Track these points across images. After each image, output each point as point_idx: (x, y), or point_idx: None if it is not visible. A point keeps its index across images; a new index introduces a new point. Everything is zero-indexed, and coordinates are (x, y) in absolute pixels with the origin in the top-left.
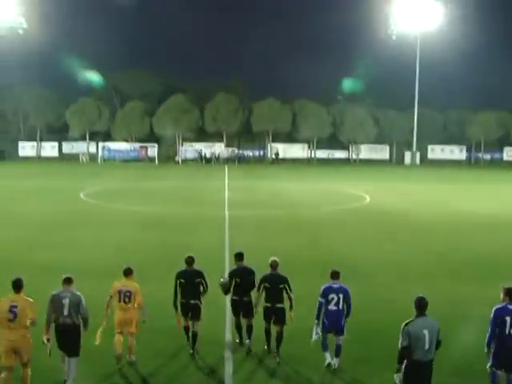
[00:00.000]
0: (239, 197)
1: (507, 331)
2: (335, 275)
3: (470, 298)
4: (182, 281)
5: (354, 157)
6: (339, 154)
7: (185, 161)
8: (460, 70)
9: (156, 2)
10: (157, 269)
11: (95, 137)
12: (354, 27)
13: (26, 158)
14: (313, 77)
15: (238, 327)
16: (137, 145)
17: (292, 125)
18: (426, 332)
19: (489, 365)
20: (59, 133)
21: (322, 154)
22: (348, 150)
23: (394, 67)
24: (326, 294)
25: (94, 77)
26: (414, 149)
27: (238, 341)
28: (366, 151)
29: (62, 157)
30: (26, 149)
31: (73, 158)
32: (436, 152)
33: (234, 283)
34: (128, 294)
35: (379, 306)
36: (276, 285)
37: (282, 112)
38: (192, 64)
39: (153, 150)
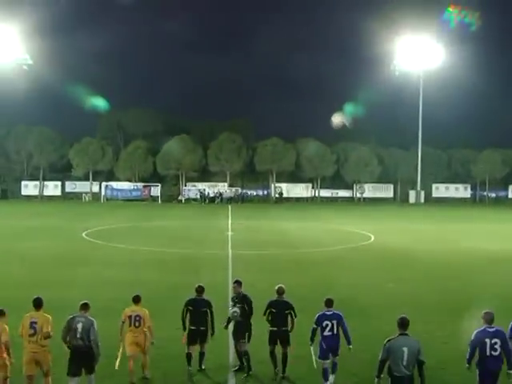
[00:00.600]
0: (243, 236)
1: (488, 353)
2: (329, 303)
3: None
4: (191, 308)
5: (358, 195)
6: (343, 193)
7: (188, 200)
8: (463, 109)
9: (159, 41)
10: (156, 308)
11: (98, 176)
12: (357, 67)
13: (29, 197)
14: (316, 116)
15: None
16: (140, 184)
17: (295, 164)
18: (405, 349)
19: None
20: (62, 172)
21: (325, 193)
22: (352, 188)
23: (397, 106)
24: (320, 321)
25: (97, 101)
26: (419, 187)
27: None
28: (370, 190)
29: (65, 196)
30: (29, 188)
31: (76, 197)
32: (441, 190)
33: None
34: (138, 318)
35: (379, 344)
36: (282, 311)
37: (286, 151)
38: (196, 103)
39: (156, 190)
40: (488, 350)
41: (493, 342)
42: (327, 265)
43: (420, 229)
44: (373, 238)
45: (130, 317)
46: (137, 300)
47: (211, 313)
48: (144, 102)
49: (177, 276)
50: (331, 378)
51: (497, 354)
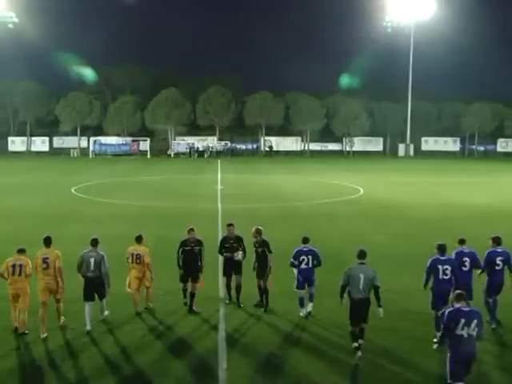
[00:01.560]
0: (232, 190)
1: (440, 277)
2: (305, 240)
3: None
4: (187, 248)
5: (348, 149)
6: (333, 147)
7: (177, 154)
8: (454, 62)
9: None
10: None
11: (86, 131)
12: (348, 20)
13: (16, 153)
14: (306, 69)
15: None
16: (129, 139)
17: (285, 118)
18: (361, 276)
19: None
20: (49, 127)
21: (315, 146)
22: (341, 142)
23: (388, 60)
24: (297, 256)
25: (85, 71)
26: (408, 141)
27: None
28: (359, 143)
29: (53, 151)
30: (16, 143)
31: (64, 152)
32: (430, 144)
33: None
34: (138, 256)
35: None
36: (260, 248)
37: (275, 105)
38: (184, 57)
39: (145, 144)
40: (440, 274)
41: (444, 267)
42: (315, 218)
43: (409, 182)
44: (362, 191)
45: (132, 254)
46: (138, 240)
47: (202, 253)
48: (132, 56)
49: (166, 230)
50: (310, 306)
51: (447, 277)
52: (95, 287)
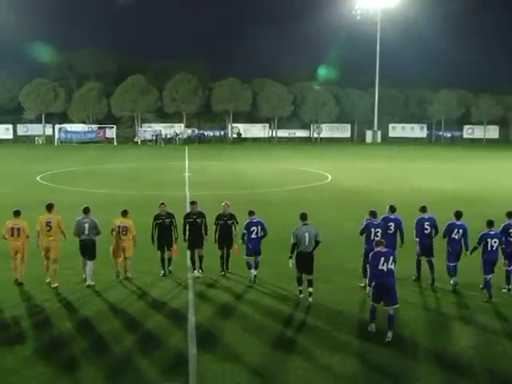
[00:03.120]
0: (200, 177)
1: (372, 237)
2: (252, 213)
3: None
4: (159, 222)
5: (316, 136)
6: (300, 133)
7: (144, 142)
8: (421, 49)
9: None
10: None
11: (51, 118)
12: (317, 7)
13: None
14: (273, 56)
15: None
16: (94, 126)
17: (252, 104)
18: (306, 234)
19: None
20: (13, 114)
21: (283, 133)
22: (309, 129)
23: (356, 47)
24: (248, 226)
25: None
26: (375, 127)
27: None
28: (327, 130)
29: (17, 139)
30: None
31: (28, 140)
32: (397, 130)
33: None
34: (124, 228)
35: (337, 280)
36: (229, 221)
37: (242, 91)
38: (150, 43)
39: (111, 131)
40: (372, 235)
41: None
42: (283, 205)
43: (376, 168)
44: (330, 178)
45: (118, 226)
46: (124, 213)
47: (175, 223)
48: (96, 41)
49: (134, 217)
50: (254, 271)
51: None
52: (88, 248)
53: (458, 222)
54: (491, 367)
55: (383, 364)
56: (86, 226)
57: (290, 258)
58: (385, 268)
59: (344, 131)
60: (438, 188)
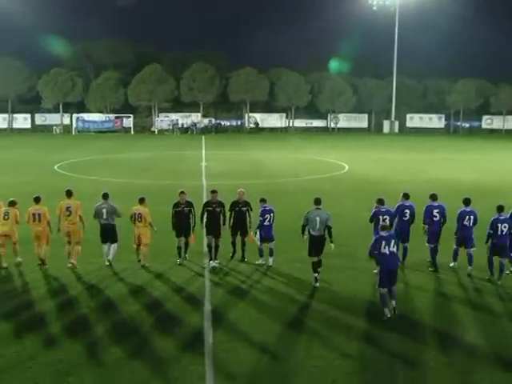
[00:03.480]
0: (217, 167)
1: (499, 232)
2: (263, 200)
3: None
4: (178, 209)
5: (333, 125)
6: (317, 123)
7: (161, 131)
8: (440, 39)
9: None
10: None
11: (69, 108)
12: None
13: None
14: (291, 46)
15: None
16: (112, 115)
17: (269, 94)
18: (317, 218)
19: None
20: (31, 104)
21: (300, 123)
22: (326, 118)
23: (373, 37)
24: (263, 213)
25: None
26: (393, 117)
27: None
28: (344, 120)
29: (35, 128)
30: None
31: (46, 129)
32: (415, 120)
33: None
34: (140, 215)
35: (352, 268)
36: (244, 208)
37: (259, 81)
38: (168, 33)
39: (128, 121)
40: (381, 221)
41: (384, 217)
42: (300, 194)
43: (394, 159)
44: (347, 168)
45: (134, 214)
46: (141, 201)
47: (194, 211)
48: (113, 31)
49: (151, 206)
50: (270, 260)
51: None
52: (108, 232)
53: (468, 209)
54: (497, 350)
55: (391, 345)
56: (104, 211)
57: (303, 235)
58: (387, 251)
59: (361, 121)
60: (456, 178)
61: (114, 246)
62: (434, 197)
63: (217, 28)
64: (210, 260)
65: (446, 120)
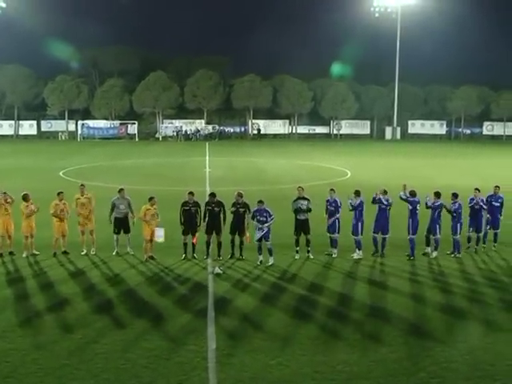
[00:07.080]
0: (220, 173)
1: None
2: (261, 203)
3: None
4: (186, 208)
5: (335, 132)
6: (320, 130)
7: (165, 138)
8: (441, 46)
9: None
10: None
11: (74, 114)
12: (336, 4)
13: (4, 137)
14: (294, 53)
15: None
16: (116, 122)
17: (273, 101)
18: (302, 205)
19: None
20: (37, 111)
21: (302, 129)
22: (329, 125)
23: (375, 44)
24: (255, 215)
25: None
26: (395, 124)
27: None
28: (347, 127)
29: (41, 135)
30: (4, 127)
31: (52, 136)
32: (416, 127)
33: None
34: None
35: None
36: (242, 209)
37: (263, 88)
38: (172, 40)
39: (133, 128)
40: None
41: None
42: None
43: (396, 165)
44: (349, 174)
45: (147, 212)
46: (151, 200)
47: (200, 211)
48: (119, 39)
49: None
50: (271, 259)
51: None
52: (122, 224)
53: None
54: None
55: (393, 351)
56: (122, 206)
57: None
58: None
59: (363, 128)
60: (460, 184)
61: (128, 236)
62: (438, 194)
63: (221, 35)
64: (208, 256)
65: (447, 126)
